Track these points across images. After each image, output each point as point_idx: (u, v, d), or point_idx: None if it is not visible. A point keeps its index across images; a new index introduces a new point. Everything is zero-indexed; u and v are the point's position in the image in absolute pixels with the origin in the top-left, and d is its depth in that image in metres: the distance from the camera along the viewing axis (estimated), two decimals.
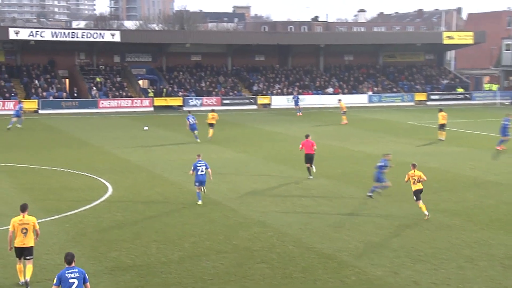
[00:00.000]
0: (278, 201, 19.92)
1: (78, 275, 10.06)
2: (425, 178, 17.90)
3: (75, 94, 54.53)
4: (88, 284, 10.10)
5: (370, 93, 62.27)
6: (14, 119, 39.29)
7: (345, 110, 44.64)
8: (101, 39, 54.44)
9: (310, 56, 66.02)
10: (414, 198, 17.83)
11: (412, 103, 61.76)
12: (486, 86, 73.55)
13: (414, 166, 18.15)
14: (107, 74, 57.99)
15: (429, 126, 42.12)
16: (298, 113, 49.96)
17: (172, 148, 31.16)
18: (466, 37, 65.62)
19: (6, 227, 14.83)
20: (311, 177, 23.36)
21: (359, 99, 60.94)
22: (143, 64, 60.79)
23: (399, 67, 68.67)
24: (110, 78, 57.42)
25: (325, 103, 58.62)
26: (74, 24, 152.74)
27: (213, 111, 35.97)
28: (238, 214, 18.22)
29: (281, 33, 65.53)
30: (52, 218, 17.41)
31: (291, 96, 58.04)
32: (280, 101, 57.90)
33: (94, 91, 54.39)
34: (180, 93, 56.54)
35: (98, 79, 56.39)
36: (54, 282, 9.98)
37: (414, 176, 17.87)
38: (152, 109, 54.12)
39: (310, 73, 65.24)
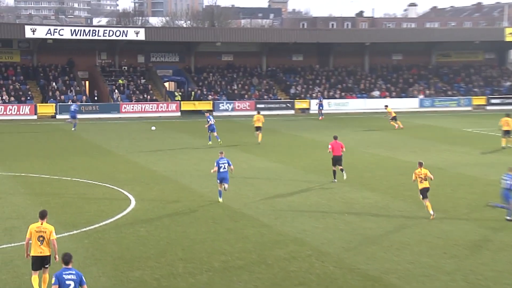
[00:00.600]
0: (317, 216, 19.85)
1: (75, 277, 10.40)
2: (432, 177, 19.58)
3: (96, 98, 55.51)
4: (85, 286, 10.43)
5: (422, 96, 61.66)
6: (74, 120, 42.31)
7: (394, 115, 44.89)
8: (124, 38, 55.33)
9: (354, 55, 65.76)
10: (421, 196, 19.51)
11: (469, 108, 60.92)
12: None
13: (420, 164, 19.85)
14: (131, 76, 58.87)
15: (489, 133, 41.45)
16: (320, 117, 51.29)
17: (201, 157, 31.34)
18: None
19: (21, 243, 15.13)
20: (335, 180, 24.85)
21: (409, 104, 60.39)
22: (169, 65, 61.52)
23: (454, 68, 67.82)
24: (134, 80, 58.27)
25: (371, 107, 58.29)
26: (95, 21, 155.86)
27: (258, 113, 37.46)
28: (273, 231, 18.22)
29: (322, 30, 65.56)
30: (70, 233, 17.69)
31: (332, 100, 57.98)
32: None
33: (116, 94, 55.26)
34: (210, 96, 57.00)
35: (120, 81, 57.29)
36: (53, 281, 10.34)
37: (421, 174, 19.58)
38: (179, 114, 54.67)
39: (354, 75, 64.98)
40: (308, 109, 58.01)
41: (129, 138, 39.30)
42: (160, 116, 53.52)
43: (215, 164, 21.41)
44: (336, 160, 25.00)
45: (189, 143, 36.52)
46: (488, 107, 61.21)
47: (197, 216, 19.81)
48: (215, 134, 35.46)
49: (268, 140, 38.71)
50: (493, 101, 62.13)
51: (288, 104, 58.07)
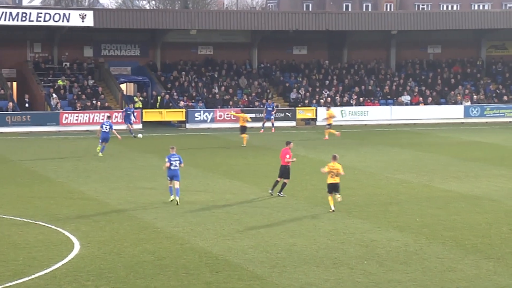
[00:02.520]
0: (327, 264, 19.89)
1: None
2: (343, 173, 26.17)
3: (27, 105, 55.46)
4: None
5: (468, 103, 62.05)
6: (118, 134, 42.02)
7: (330, 122, 48.16)
8: (65, 23, 55.42)
9: (376, 47, 66.18)
10: (327, 189, 26.05)
11: None
12: None
13: (334, 157, 26.26)
14: (74, 75, 58.98)
15: None
16: (261, 130, 52.48)
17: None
18: None
19: None
20: (272, 192, 28.84)
21: (451, 112, 60.78)
22: (127, 60, 61.68)
23: (511, 64, 68.30)
24: (79, 81, 58.37)
25: (399, 117, 58.62)
26: (25, 1, 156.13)
27: (242, 111, 43.96)
28: (268, 285, 18.22)
29: (333, 13, 65.90)
30: None
31: (346, 108, 58.27)
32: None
33: (55, 99, 55.28)
34: (182, 102, 57.16)
35: (60, 82, 57.37)
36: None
37: (334, 169, 25.85)
38: (140, 126, 54.64)
39: (376, 74, 65.37)
40: (315, 119, 58.20)
41: (72, 159, 39.23)
42: (114, 129, 53.35)
43: (167, 159, 26.78)
44: (283, 172, 28.86)
45: (154, 166, 36.55)
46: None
47: (165, 265, 19.80)
48: (104, 145, 39.16)
49: (259, 162, 38.77)
50: None
51: (288, 113, 58.24)
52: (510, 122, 60.09)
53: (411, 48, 66.92)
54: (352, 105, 59.96)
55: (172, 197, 27.29)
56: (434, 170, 35.92)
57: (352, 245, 21.90)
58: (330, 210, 25.82)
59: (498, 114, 61.53)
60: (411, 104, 61.18)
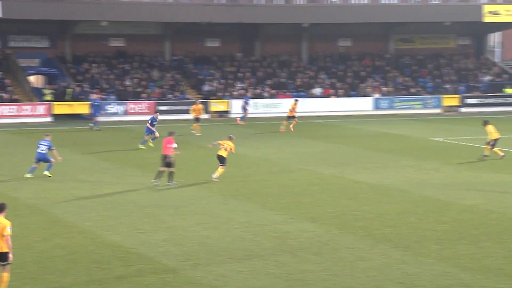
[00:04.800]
0: (240, 256, 19.95)
1: None
2: (233, 152, 30.58)
3: None
4: None
5: (377, 95, 63.10)
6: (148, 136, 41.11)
7: (293, 115, 48.77)
8: None
9: (288, 41, 66.68)
10: (219, 162, 30.00)
11: (438, 110, 62.79)
12: None
13: (230, 138, 30.68)
14: None
15: (466, 144, 42.82)
16: (241, 121, 53.47)
17: (83, 179, 31.00)
18: None
19: None
20: (157, 182, 29.04)
21: (361, 104, 61.71)
22: (36, 52, 60.54)
23: (419, 57, 69.85)
24: None
25: (311, 110, 59.17)
26: None
27: (196, 103, 47.83)
28: (181, 278, 18.16)
29: (245, 6, 66.01)
30: None
31: (259, 101, 58.57)
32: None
33: None
34: (94, 95, 56.36)
35: None
36: None
37: (225, 144, 30.15)
38: (50, 119, 53.71)
39: (288, 66, 65.87)
40: (228, 112, 58.29)
41: None
42: (23, 123, 52.40)
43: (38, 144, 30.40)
44: (165, 162, 29.20)
45: (66, 159, 35.94)
46: (463, 109, 63.31)
47: (76, 259, 19.53)
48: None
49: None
50: (468, 101, 64.32)
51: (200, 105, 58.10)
52: (417, 114, 61.36)
53: (323, 41, 67.68)
54: (265, 98, 60.27)
55: (28, 175, 30.67)
56: (345, 161, 36.40)
57: (265, 237, 22.01)
58: (213, 179, 29.96)
59: (406, 106, 62.77)
60: (323, 97, 61.89)
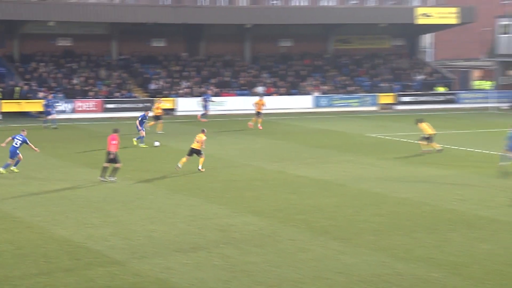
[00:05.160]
0: (186, 249, 19.88)
1: None
2: (204, 147, 31.31)
3: None
4: None
5: (317, 93, 63.48)
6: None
7: (259, 110, 48.37)
8: None
9: (232, 41, 66.66)
10: (188, 153, 30.90)
11: (374, 108, 63.45)
12: (476, 84, 76.66)
13: (203, 131, 31.56)
14: None
15: (400, 140, 43.32)
16: (202, 118, 53.19)
17: (31, 175, 30.55)
18: (449, 15, 68.23)
19: None
20: (104, 179, 28.75)
21: (301, 102, 62.02)
22: None
23: (356, 57, 70.47)
24: None
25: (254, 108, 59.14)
26: None
27: (159, 101, 47.37)
28: (128, 270, 18.02)
29: (189, 7, 65.87)
30: None
31: (208, 98, 58.47)
32: (189, 105, 58.01)
33: None
34: (41, 93, 55.60)
35: None
36: None
37: (198, 137, 31.09)
38: None
39: (232, 66, 65.85)
40: (173, 109, 58.03)
41: None
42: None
43: (11, 137, 30.31)
44: (109, 158, 29.02)
45: None
46: (398, 107, 64.07)
47: (25, 254, 19.23)
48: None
49: (123, 152, 38.25)
50: (403, 99, 65.13)
51: (147, 104, 57.77)
52: (355, 111, 61.89)
53: (265, 42, 67.83)
54: (210, 96, 60.07)
55: (1, 170, 30.45)
56: (286, 157, 36.53)
57: (210, 230, 21.97)
58: (176, 168, 30.91)
59: (344, 104, 63.30)
60: (265, 95, 61.96)
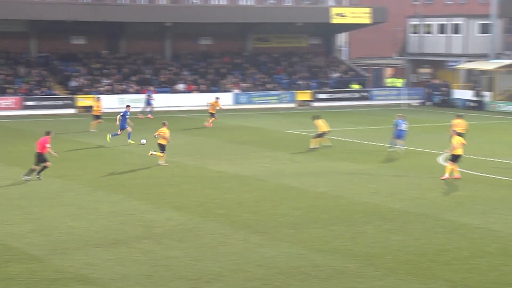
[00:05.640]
0: (107, 245, 19.66)
1: None
2: (169, 140, 31.90)
3: None
4: None
5: (237, 90, 63.60)
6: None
7: (212, 112, 47.65)
8: None
9: (152, 39, 66.15)
10: (160, 149, 31.76)
11: (292, 105, 63.95)
12: (389, 81, 78.15)
13: (164, 124, 32.49)
14: None
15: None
16: (149, 114, 52.69)
17: None
18: (362, 15, 69.30)
19: None
20: (29, 177, 28.01)
21: (222, 99, 61.85)
22: None
23: (274, 55, 70.87)
24: None
25: (175, 104, 58.93)
26: None
27: (98, 100, 45.78)
28: (48, 267, 17.70)
29: (110, 5, 64.84)
30: None
31: (125, 96, 57.82)
32: (110, 102, 57.29)
33: None
34: None
35: None
36: None
37: (161, 132, 31.84)
38: None
39: (153, 63, 65.36)
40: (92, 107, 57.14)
41: None
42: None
43: None
44: (39, 159, 28.18)
45: None
46: (315, 104, 64.69)
47: None
48: None
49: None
50: (319, 96, 65.85)
51: (68, 101, 56.88)
52: (274, 108, 62.24)
53: (185, 40, 67.55)
54: (131, 93, 59.58)
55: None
56: (207, 153, 36.50)
57: (131, 226, 21.79)
58: (149, 154, 32.28)
59: (263, 101, 63.59)
60: (186, 92, 61.80)
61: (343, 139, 41.32)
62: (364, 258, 18.72)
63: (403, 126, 36.34)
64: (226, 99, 61.95)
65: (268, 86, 65.88)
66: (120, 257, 18.66)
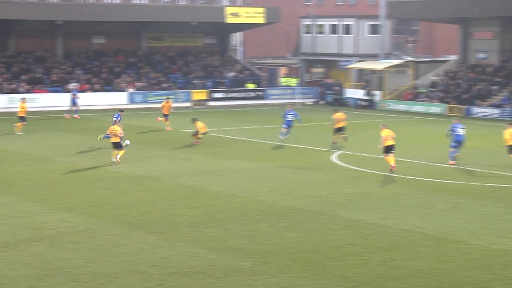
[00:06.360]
0: None
1: None
2: (122, 133, 32.21)
3: None
4: None
5: (131, 89, 62.95)
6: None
7: (166, 113, 46.04)
8: None
9: (43, 37, 64.72)
10: (114, 147, 32.10)
11: (188, 104, 63.80)
12: (283, 81, 79.07)
13: (114, 122, 34.39)
14: None
15: (212, 135, 43.81)
16: (74, 114, 51.80)
17: None
18: (256, 15, 69.85)
19: None
20: None
21: (116, 98, 61.25)
22: None
23: (169, 54, 70.51)
24: None
25: (67, 104, 57.74)
26: None
27: (23, 100, 44.29)
28: None
29: None
30: None
31: (15, 95, 56.30)
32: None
33: None
34: None
35: None
36: None
37: (114, 130, 32.04)
38: None
39: (44, 62, 63.87)
40: None
41: None
42: None
43: None
44: None
45: None
46: (211, 103, 64.78)
47: None
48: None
49: None
50: (215, 95, 65.96)
51: None
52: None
53: (78, 38, 66.36)
54: (21, 92, 57.97)
55: None
56: (101, 153, 35.94)
57: (22, 228, 21.22)
58: (114, 160, 32.14)
59: (159, 100, 63.13)
60: (79, 91, 60.62)
61: (239, 138, 41.52)
62: (259, 256, 18.84)
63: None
64: (120, 99, 61.38)
65: (164, 85, 65.50)
66: (10, 260, 18.14)
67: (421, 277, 17.23)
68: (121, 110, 41.20)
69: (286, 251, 19.31)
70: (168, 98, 48.90)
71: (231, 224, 22.01)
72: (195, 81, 67.07)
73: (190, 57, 71.20)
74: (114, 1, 70.97)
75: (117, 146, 32.16)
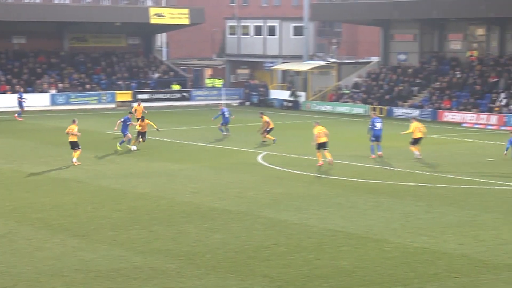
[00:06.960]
0: None
1: None
2: (78, 134, 32.21)
3: None
4: None
5: (54, 91, 61.96)
6: None
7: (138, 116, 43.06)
8: None
9: None
10: (72, 147, 32.33)
11: (112, 105, 63.14)
12: (209, 82, 79.02)
13: (74, 121, 32.71)
14: None
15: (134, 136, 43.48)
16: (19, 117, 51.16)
17: None
18: (180, 16, 69.60)
19: None
20: None
21: (38, 100, 60.19)
22: None
23: (93, 55, 69.62)
24: None
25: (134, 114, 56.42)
26: None
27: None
28: None
29: None
30: None
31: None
32: None
33: None
34: None
35: None
36: None
37: (71, 129, 31.97)
38: None
39: None
40: None
41: None
42: None
43: None
44: None
45: None
46: (135, 104, 64.09)
47: None
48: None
49: None
50: (140, 96, 65.35)
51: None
52: (93, 108, 61.23)
53: None
54: None
55: None
56: (23, 155, 35.30)
57: None
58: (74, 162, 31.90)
59: (82, 102, 62.42)
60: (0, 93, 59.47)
61: (163, 139, 41.31)
62: (185, 257, 18.81)
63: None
64: (42, 100, 60.34)
65: (87, 86, 64.62)
66: None
67: (345, 275, 17.49)
68: (130, 113, 40.17)
69: (212, 252, 19.33)
70: (139, 101, 48.46)
71: (156, 226, 21.90)
72: (119, 82, 66.40)
73: (114, 58, 70.45)
74: (35, 1, 69.73)
75: (74, 145, 32.24)
